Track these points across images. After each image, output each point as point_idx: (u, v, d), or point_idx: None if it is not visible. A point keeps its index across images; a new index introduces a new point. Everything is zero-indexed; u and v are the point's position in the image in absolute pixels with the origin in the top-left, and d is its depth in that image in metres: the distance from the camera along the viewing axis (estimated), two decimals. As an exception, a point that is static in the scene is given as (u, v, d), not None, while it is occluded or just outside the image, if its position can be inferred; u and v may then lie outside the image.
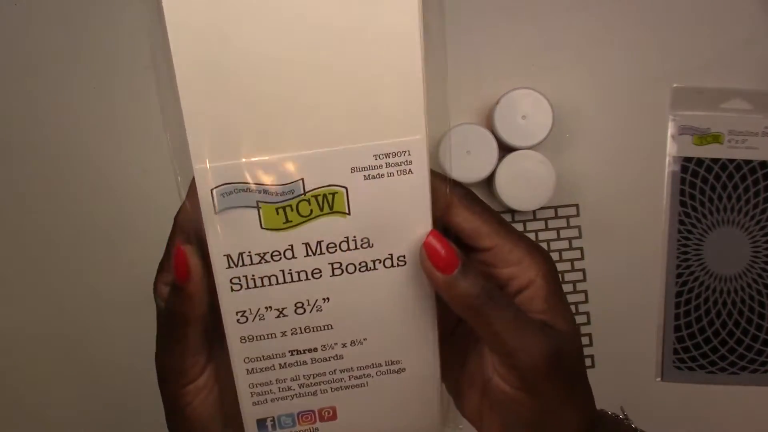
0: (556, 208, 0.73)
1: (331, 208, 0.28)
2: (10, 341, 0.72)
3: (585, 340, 0.73)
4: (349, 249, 0.29)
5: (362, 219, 0.28)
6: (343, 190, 0.28)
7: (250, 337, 0.29)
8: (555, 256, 0.73)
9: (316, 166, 0.27)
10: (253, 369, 0.30)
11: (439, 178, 0.29)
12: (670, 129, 0.73)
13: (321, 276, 0.29)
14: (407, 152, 0.28)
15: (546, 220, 0.72)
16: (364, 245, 0.29)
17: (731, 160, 0.72)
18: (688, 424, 0.73)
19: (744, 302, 0.72)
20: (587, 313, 0.73)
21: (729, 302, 0.73)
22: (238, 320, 0.29)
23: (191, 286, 0.29)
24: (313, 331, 0.30)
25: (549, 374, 0.28)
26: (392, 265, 0.29)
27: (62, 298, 0.72)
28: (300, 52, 0.26)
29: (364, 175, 0.28)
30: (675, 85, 0.72)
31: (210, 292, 0.30)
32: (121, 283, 0.72)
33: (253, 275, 0.28)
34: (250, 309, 0.29)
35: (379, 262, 0.29)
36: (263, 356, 0.30)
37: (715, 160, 0.72)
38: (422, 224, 0.29)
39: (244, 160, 0.27)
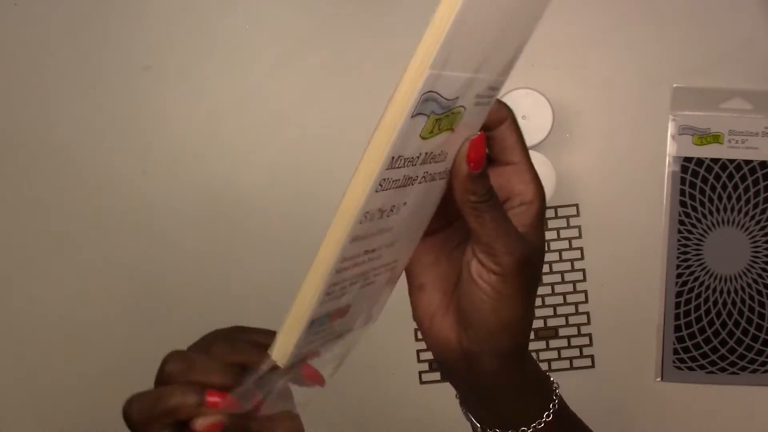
0: (556, 208, 0.73)
1: (451, 124, 0.31)
2: (10, 339, 0.72)
3: (585, 340, 0.73)
4: (435, 161, 0.32)
5: (455, 136, 0.32)
6: (463, 109, 0.31)
7: (357, 236, 0.29)
8: (555, 256, 0.73)
9: (467, 89, 0.30)
10: (341, 269, 0.29)
11: (501, 102, 0.36)
12: (670, 129, 0.73)
13: (413, 184, 0.31)
14: (497, 89, 0.33)
15: (546, 220, 0.72)
16: (443, 159, 0.32)
17: (731, 160, 0.72)
18: (688, 424, 0.73)
19: (744, 302, 0.72)
20: (587, 313, 0.73)
21: (729, 302, 0.73)
22: (360, 221, 0.29)
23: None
24: (383, 232, 0.31)
25: (518, 269, 0.35)
26: (441, 179, 0.34)
27: (62, 296, 0.72)
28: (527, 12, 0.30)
29: (477, 102, 0.32)
30: (675, 85, 0.72)
31: None
32: (121, 281, 0.72)
33: (391, 178, 0.29)
34: (370, 211, 0.29)
35: (439, 175, 0.34)
36: (353, 256, 0.30)
37: (715, 160, 0.72)
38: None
39: (458, 74, 0.28)
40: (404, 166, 0.29)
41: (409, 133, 0.28)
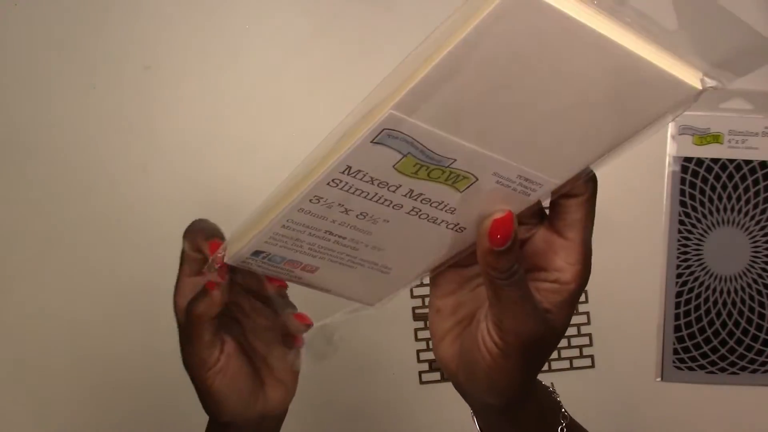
0: (556, 208, 0.73)
1: (453, 182, 0.32)
2: (12, 338, 0.72)
3: (585, 340, 0.73)
4: (436, 208, 0.33)
5: (466, 199, 0.33)
6: (473, 178, 0.32)
7: (308, 211, 0.33)
8: (555, 256, 0.73)
9: (473, 160, 0.31)
10: (288, 227, 0.34)
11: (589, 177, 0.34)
12: (670, 129, 0.73)
13: (399, 209, 0.33)
14: (540, 185, 0.32)
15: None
16: (449, 211, 0.34)
17: (731, 160, 0.72)
18: (688, 424, 0.73)
19: (744, 302, 0.72)
20: (587, 313, 0.73)
21: (729, 302, 0.73)
22: (310, 200, 0.33)
23: (216, 292, 0.38)
24: (355, 229, 0.35)
25: (522, 350, 0.34)
26: (452, 229, 0.35)
27: (63, 294, 0.72)
28: (540, 95, 0.29)
29: (498, 180, 0.32)
30: (675, 85, 0.72)
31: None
32: (121, 280, 0.72)
33: (352, 185, 0.32)
34: (326, 198, 0.33)
35: (446, 223, 0.34)
36: (303, 224, 0.34)
37: (715, 160, 0.72)
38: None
39: (446, 135, 0.30)
40: (372, 184, 0.32)
41: (372, 157, 0.30)
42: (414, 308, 0.72)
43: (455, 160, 0.31)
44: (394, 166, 0.31)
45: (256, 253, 0.36)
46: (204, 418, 0.45)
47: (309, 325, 0.41)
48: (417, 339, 0.73)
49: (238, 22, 0.73)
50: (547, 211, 0.36)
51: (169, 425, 0.71)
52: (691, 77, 0.29)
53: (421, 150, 0.30)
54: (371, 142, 0.30)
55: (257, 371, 0.42)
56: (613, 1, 0.26)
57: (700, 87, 0.29)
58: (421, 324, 0.73)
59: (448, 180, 0.32)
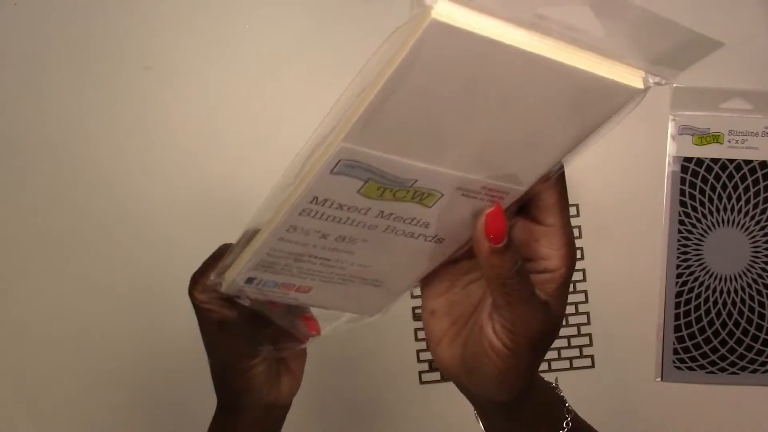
0: (556, 208, 0.73)
1: (420, 200, 0.33)
2: (14, 338, 0.72)
3: (585, 341, 0.73)
4: (410, 224, 0.34)
5: (437, 213, 0.33)
6: (439, 194, 0.32)
7: (287, 239, 0.35)
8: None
9: (433, 178, 0.32)
10: (272, 255, 0.36)
11: None
12: (670, 129, 0.73)
13: (375, 229, 0.34)
14: (506, 193, 0.33)
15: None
16: (423, 225, 0.34)
17: (731, 160, 0.72)
18: (688, 424, 0.73)
19: (744, 302, 0.72)
20: (587, 314, 0.73)
21: (729, 302, 0.73)
22: (287, 230, 0.34)
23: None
24: (337, 251, 0.36)
25: (532, 345, 0.34)
26: (431, 241, 0.35)
27: (63, 294, 0.72)
28: (482, 114, 0.29)
29: (463, 193, 0.32)
30: (675, 85, 0.72)
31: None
32: (122, 279, 0.72)
33: (323, 212, 0.33)
34: (302, 227, 0.34)
35: (423, 237, 0.35)
36: (286, 251, 0.35)
37: (715, 160, 0.72)
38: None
39: (384, 154, 0.30)
40: (342, 209, 0.33)
41: (335, 186, 0.31)
42: (414, 308, 0.73)
43: (416, 180, 0.31)
44: (358, 192, 0.32)
45: (249, 280, 0.37)
46: (203, 419, 0.45)
47: (316, 334, 0.42)
48: (417, 339, 0.73)
49: (238, 22, 0.73)
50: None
51: (169, 426, 0.71)
52: (632, 78, 0.29)
53: (381, 175, 0.31)
54: (330, 173, 0.31)
55: (276, 361, 0.44)
56: (534, 17, 0.26)
57: (642, 86, 0.29)
58: (420, 324, 0.73)
59: (414, 198, 0.32)
